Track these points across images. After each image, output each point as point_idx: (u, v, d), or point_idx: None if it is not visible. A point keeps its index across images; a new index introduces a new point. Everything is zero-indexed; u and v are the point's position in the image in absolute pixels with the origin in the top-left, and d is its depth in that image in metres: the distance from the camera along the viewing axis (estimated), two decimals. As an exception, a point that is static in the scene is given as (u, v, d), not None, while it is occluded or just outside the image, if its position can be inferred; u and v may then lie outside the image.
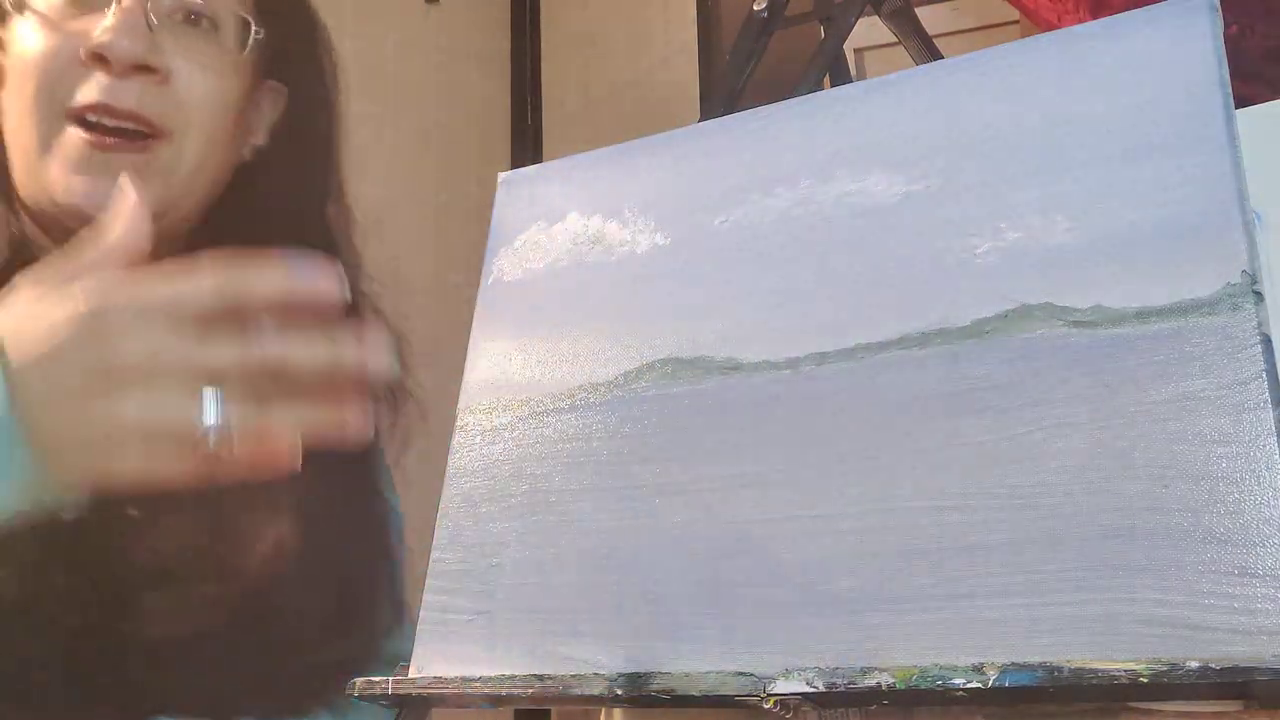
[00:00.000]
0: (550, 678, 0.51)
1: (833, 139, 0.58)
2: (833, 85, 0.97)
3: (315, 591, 0.78)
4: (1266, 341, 0.43)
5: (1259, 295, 0.44)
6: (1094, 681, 0.40)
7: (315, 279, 0.50)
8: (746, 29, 0.99)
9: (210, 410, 0.49)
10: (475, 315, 0.66)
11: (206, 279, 0.50)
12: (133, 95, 0.76)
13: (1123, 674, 0.40)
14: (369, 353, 0.51)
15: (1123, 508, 0.43)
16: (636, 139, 0.65)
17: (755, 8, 0.98)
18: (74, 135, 0.76)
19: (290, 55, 0.87)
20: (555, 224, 0.65)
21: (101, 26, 0.76)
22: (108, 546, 0.71)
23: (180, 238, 0.84)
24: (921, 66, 0.60)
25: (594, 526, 0.55)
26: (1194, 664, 0.39)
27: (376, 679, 0.55)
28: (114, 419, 0.49)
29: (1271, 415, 0.42)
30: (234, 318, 0.50)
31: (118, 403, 0.49)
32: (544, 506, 0.57)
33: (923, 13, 1.02)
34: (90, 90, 0.75)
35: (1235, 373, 0.43)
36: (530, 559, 0.56)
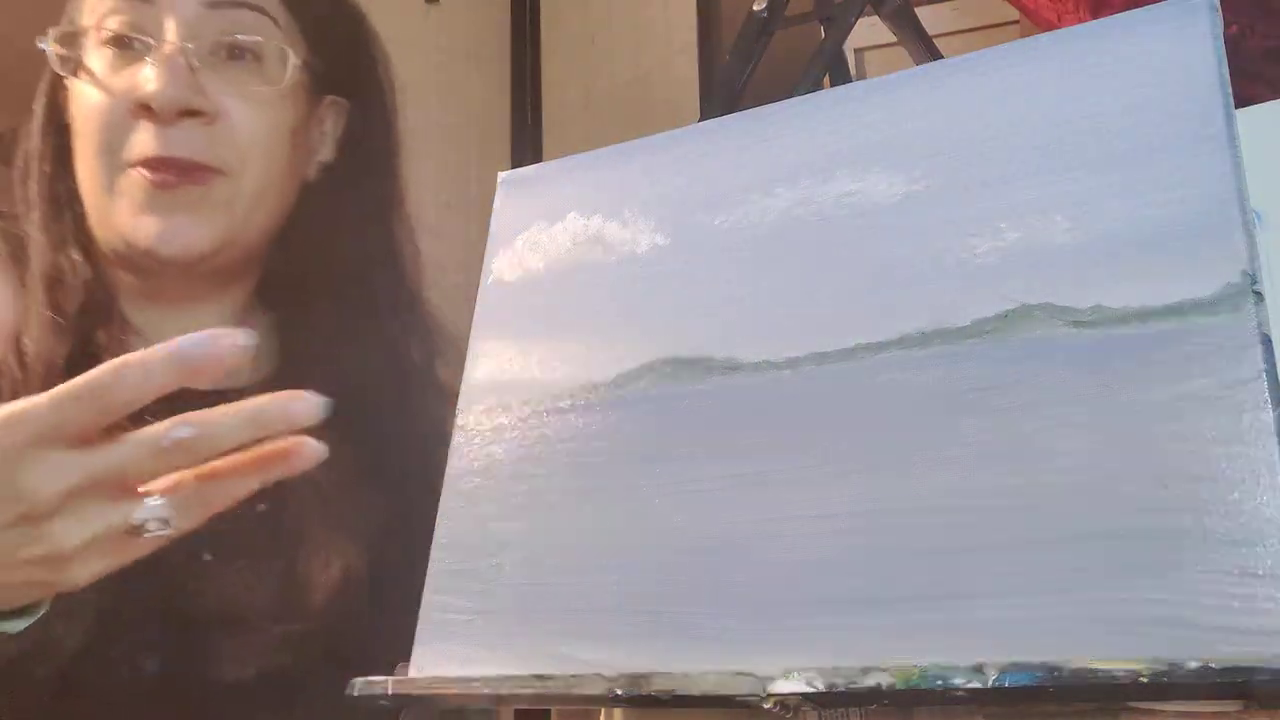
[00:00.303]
0: (550, 678, 0.51)
1: (833, 139, 0.58)
2: (833, 85, 0.97)
3: (385, 619, 0.79)
4: (1266, 341, 0.43)
5: (1259, 295, 0.44)
6: (1094, 681, 0.40)
7: (207, 346, 0.47)
8: (746, 29, 0.98)
9: (145, 510, 0.48)
10: (475, 315, 0.66)
11: (78, 393, 0.46)
12: (184, 142, 0.77)
13: (1123, 674, 0.40)
14: (289, 399, 0.50)
15: (1123, 508, 0.43)
16: (637, 139, 0.65)
17: (755, 8, 0.98)
18: (136, 177, 0.77)
19: (346, 70, 0.88)
20: (555, 224, 0.65)
21: (144, 77, 0.77)
22: (180, 589, 0.72)
23: (254, 261, 0.85)
24: (921, 66, 0.60)
25: (594, 526, 0.55)
26: (1194, 664, 0.39)
27: (376, 679, 0.55)
28: (48, 550, 0.47)
29: (1271, 415, 0.42)
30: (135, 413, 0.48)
31: (45, 535, 0.47)
32: (544, 506, 0.57)
33: (923, 13, 1.02)
34: (143, 143, 0.77)
35: (1235, 373, 0.43)
36: (530, 559, 0.56)
